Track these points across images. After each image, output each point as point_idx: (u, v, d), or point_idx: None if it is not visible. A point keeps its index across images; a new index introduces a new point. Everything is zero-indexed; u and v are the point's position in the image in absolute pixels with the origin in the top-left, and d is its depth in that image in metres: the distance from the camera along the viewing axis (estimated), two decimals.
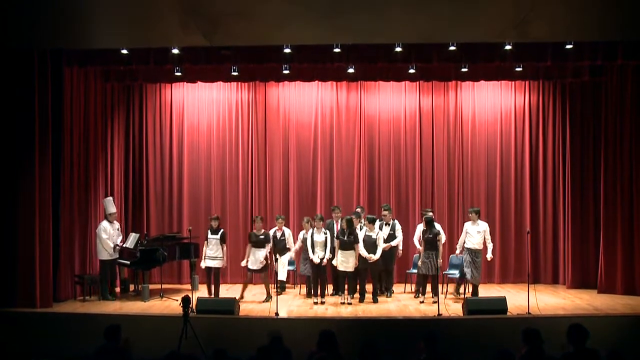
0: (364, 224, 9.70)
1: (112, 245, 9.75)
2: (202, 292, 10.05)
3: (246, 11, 6.78)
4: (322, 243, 9.49)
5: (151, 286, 10.05)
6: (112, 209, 9.93)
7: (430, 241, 9.45)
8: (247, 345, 6.08)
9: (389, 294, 10.00)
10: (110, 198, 10.23)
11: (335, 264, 9.41)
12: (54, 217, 9.19)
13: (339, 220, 9.90)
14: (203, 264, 9.76)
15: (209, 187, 11.65)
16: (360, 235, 9.47)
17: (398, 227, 10.10)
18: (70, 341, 7.76)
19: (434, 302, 8.95)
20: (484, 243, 9.58)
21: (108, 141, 10.90)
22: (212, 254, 9.65)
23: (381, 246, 9.55)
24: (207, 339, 7.25)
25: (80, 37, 8.26)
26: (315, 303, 9.44)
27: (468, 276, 9.51)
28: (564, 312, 8.71)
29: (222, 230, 9.75)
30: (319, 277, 9.52)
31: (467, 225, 9.72)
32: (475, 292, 9.55)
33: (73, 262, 9.76)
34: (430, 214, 9.94)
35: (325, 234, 9.55)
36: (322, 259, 9.42)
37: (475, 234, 9.54)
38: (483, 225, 9.62)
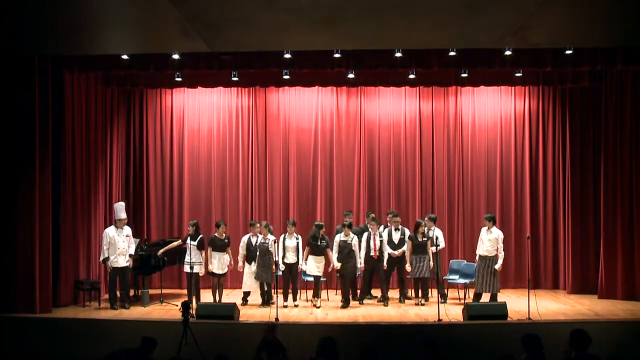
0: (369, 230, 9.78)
1: (105, 251, 9.35)
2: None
3: (247, 18, 6.78)
4: (293, 248, 9.56)
5: (151, 291, 10.06)
6: (120, 214, 9.60)
7: (422, 245, 9.54)
8: (247, 350, 6.07)
9: (402, 299, 9.94)
10: (122, 203, 9.91)
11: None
12: (54, 223, 9.19)
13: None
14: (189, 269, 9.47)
15: (209, 192, 11.65)
16: (336, 240, 9.60)
17: (407, 232, 9.97)
18: (70, 346, 7.76)
19: (417, 304, 9.31)
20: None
21: (108, 146, 10.91)
22: (198, 259, 9.53)
23: (357, 252, 9.60)
24: (207, 344, 7.23)
25: (80, 43, 8.26)
26: (285, 307, 9.46)
27: (476, 283, 9.49)
28: (565, 318, 8.69)
29: (200, 236, 9.67)
30: (290, 282, 9.64)
31: (482, 231, 9.61)
32: (493, 300, 9.38)
33: (77, 268, 9.77)
34: (422, 220, 9.95)
35: (297, 239, 9.61)
36: (291, 264, 9.56)
37: (487, 241, 9.41)
38: (496, 233, 9.43)
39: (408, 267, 9.68)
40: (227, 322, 8.22)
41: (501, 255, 9.38)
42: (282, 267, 9.58)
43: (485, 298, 9.52)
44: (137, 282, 10.23)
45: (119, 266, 9.45)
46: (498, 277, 9.41)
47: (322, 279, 9.87)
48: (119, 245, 9.44)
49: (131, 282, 10.46)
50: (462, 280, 10.13)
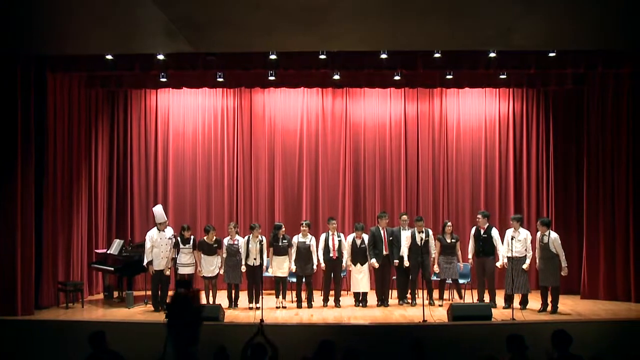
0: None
1: (149, 254, 9.32)
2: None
3: (232, 19, 6.78)
4: (257, 250, 9.51)
5: (135, 292, 10.00)
6: (159, 219, 9.52)
7: (451, 247, 9.64)
8: (233, 351, 6.04)
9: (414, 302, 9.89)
10: (159, 206, 9.86)
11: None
12: (36, 225, 9.10)
13: (385, 228, 9.89)
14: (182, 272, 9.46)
15: (194, 194, 11.60)
16: (294, 241, 9.66)
17: (430, 234, 9.88)
18: (53, 349, 7.68)
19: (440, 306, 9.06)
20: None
21: (92, 147, 10.82)
22: (187, 261, 9.50)
23: (314, 253, 9.63)
24: None
25: (64, 44, 8.20)
26: (250, 308, 9.45)
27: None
28: (548, 318, 8.77)
29: (193, 238, 9.66)
30: (254, 283, 9.58)
31: (508, 233, 9.49)
32: (524, 301, 9.40)
33: (57, 269, 9.65)
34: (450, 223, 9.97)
35: (261, 241, 9.55)
36: (254, 266, 9.48)
37: (516, 242, 9.25)
38: (524, 233, 9.36)
39: (436, 268, 9.70)
40: (212, 324, 8.17)
41: (529, 255, 9.26)
42: (243, 268, 9.59)
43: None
44: (121, 283, 10.17)
45: (161, 269, 9.41)
46: (527, 277, 9.33)
47: (289, 279, 9.87)
48: (161, 248, 9.41)
49: (115, 283, 10.42)
50: (461, 280, 10.11)
